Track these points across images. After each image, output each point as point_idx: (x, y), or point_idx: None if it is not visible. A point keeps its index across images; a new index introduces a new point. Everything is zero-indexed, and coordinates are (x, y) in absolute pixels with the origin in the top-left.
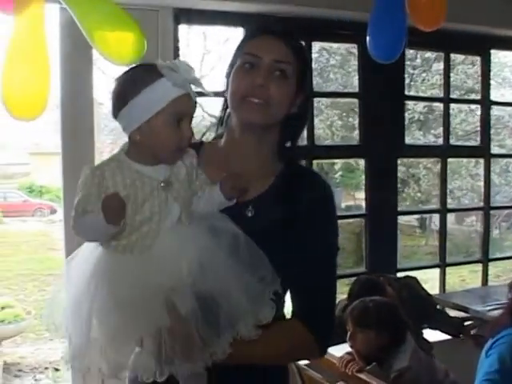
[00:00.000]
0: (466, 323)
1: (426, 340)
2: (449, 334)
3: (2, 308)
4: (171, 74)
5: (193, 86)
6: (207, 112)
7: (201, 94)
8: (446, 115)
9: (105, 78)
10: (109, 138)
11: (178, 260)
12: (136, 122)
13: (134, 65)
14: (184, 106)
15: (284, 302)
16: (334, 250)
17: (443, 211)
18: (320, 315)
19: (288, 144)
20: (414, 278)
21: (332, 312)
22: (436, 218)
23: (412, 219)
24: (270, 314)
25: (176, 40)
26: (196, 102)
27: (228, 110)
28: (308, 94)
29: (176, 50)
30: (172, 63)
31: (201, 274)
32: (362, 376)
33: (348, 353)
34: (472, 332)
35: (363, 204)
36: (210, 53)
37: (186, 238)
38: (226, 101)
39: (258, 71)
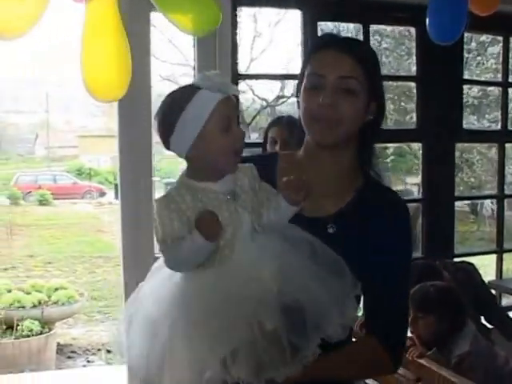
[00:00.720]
0: None
1: (484, 325)
2: (504, 336)
3: (56, 289)
4: (206, 83)
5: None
6: (257, 95)
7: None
8: (504, 99)
9: (155, 61)
10: None
11: (259, 269)
12: (188, 142)
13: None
14: (228, 109)
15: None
16: (408, 271)
17: (500, 197)
18: (395, 333)
19: (366, 153)
20: (472, 265)
21: (406, 329)
22: (488, 203)
23: (464, 205)
24: (355, 313)
25: (234, 22)
26: (237, 102)
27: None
28: (382, 98)
29: (234, 33)
30: (201, 74)
31: (284, 281)
32: (423, 361)
33: (408, 338)
34: None
35: (414, 188)
36: (260, 35)
37: (264, 246)
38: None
39: (324, 91)
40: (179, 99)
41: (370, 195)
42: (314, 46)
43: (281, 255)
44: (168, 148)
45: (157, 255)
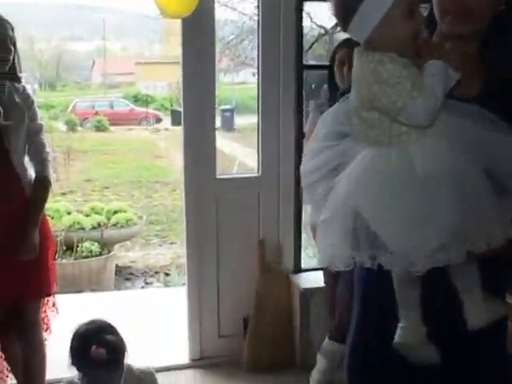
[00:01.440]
0: None
1: None
2: None
3: (115, 212)
4: None
5: None
6: (315, 22)
7: None
8: None
9: None
10: (217, 47)
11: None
12: (371, 25)
13: None
14: None
15: None
16: None
17: None
18: None
19: (496, 44)
20: None
21: None
22: None
23: None
24: None
25: None
26: None
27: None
28: None
29: None
30: None
31: (478, 150)
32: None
33: None
34: None
35: None
36: None
37: (448, 121)
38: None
39: None
40: None
41: (498, 87)
42: None
43: (465, 129)
44: (345, 30)
45: (219, 177)
